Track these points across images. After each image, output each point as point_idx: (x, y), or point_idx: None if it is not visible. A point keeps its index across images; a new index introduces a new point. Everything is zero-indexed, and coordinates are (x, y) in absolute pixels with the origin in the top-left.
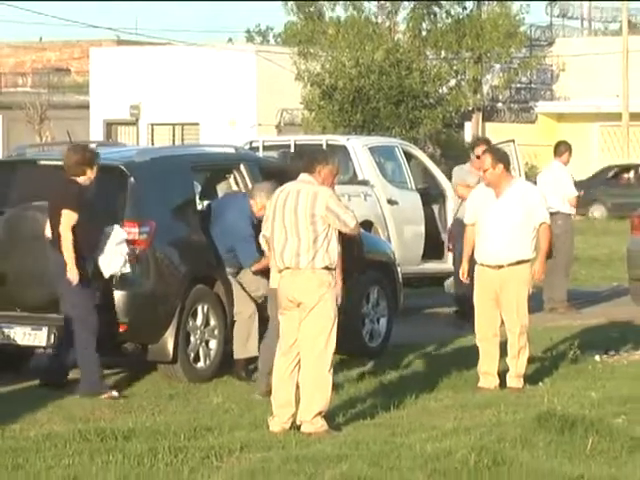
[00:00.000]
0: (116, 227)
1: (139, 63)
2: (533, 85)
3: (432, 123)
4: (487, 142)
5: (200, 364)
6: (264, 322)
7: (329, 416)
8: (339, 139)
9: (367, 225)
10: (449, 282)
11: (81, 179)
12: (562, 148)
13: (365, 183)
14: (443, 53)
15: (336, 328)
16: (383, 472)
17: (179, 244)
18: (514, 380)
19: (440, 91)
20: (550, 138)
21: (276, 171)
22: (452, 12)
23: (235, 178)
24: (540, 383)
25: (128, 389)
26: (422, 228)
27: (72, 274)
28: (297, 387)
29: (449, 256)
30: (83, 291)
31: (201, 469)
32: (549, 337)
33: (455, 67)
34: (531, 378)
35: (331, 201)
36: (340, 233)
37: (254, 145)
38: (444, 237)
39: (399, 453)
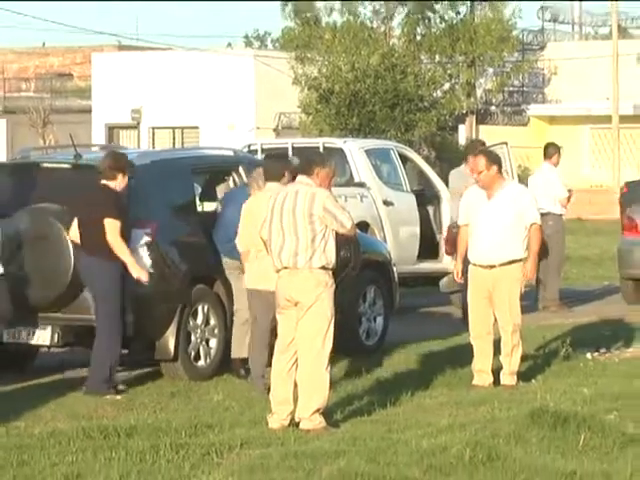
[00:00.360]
0: (137, 230)
1: (140, 68)
2: (525, 88)
3: (427, 126)
4: (482, 144)
5: (200, 362)
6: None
7: (327, 413)
8: (336, 142)
9: (363, 226)
10: (444, 281)
11: (112, 183)
12: (551, 150)
13: (361, 185)
14: (437, 57)
15: (333, 327)
16: (380, 468)
17: (180, 245)
18: (507, 377)
19: (434, 94)
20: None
21: None
22: (446, 17)
23: (234, 180)
24: (533, 380)
25: (130, 387)
26: (417, 229)
27: (141, 274)
28: (295, 385)
29: (444, 256)
30: (116, 294)
31: (202, 465)
32: (542, 335)
33: (449, 71)
34: (524, 375)
35: (328, 202)
36: (337, 234)
37: (252, 148)
38: (439, 237)
39: (395, 449)
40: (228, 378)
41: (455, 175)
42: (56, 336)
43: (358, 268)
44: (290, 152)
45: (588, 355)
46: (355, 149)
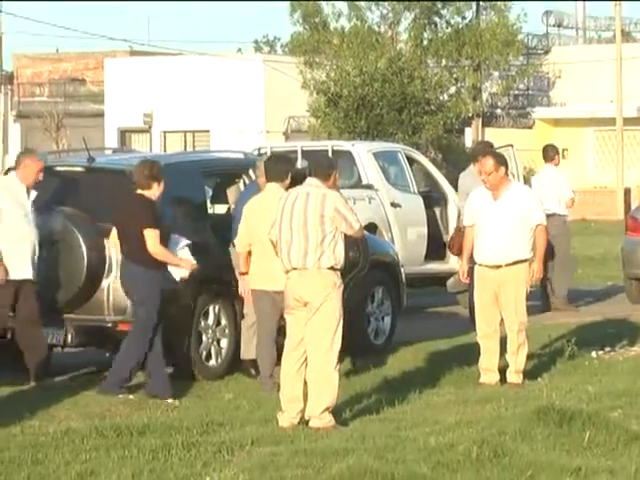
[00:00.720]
0: (177, 235)
1: (152, 73)
2: (530, 92)
3: (433, 129)
4: (490, 145)
5: (212, 362)
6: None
7: (336, 411)
8: (344, 145)
9: (372, 227)
10: (451, 282)
11: (148, 192)
12: (551, 152)
13: (369, 187)
14: (444, 61)
15: (342, 326)
16: (388, 465)
17: (191, 246)
18: (514, 376)
19: (441, 98)
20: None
21: None
22: (452, 22)
23: (244, 182)
24: (539, 378)
25: (141, 387)
26: (424, 230)
27: (192, 268)
28: (305, 383)
29: (450, 257)
30: (154, 302)
31: (213, 463)
32: (547, 334)
33: (455, 75)
34: (530, 374)
35: (339, 203)
36: (345, 235)
37: (262, 151)
38: (446, 239)
39: (404, 446)
40: (239, 377)
41: (464, 179)
42: (69, 336)
43: (366, 269)
44: (299, 155)
45: (593, 354)
46: (363, 152)
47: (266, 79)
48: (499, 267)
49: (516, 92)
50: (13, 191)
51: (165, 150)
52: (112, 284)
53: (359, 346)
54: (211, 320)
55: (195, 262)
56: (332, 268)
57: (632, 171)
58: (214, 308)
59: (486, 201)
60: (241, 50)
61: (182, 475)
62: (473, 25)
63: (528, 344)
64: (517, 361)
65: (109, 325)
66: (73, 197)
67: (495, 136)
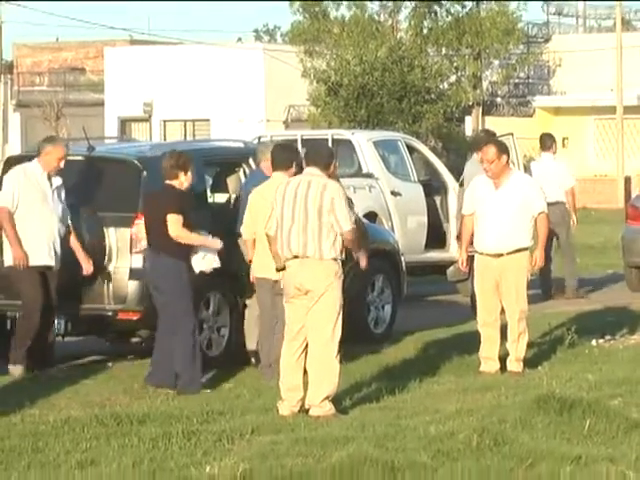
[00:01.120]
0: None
1: (152, 62)
2: (531, 80)
3: (434, 117)
4: (492, 134)
5: (212, 351)
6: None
7: (336, 400)
8: (344, 133)
9: (372, 216)
10: (451, 270)
11: (175, 183)
12: (549, 141)
13: (369, 176)
14: (444, 50)
15: (342, 315)
16: (389, 453)
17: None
18: (514, 364)
19: (441, 87)
20: (547, 131)
21: None
22: (452, 11)
23: (244, 171)
24: (539, 367)
25: (141, 375)
26: (425, 219)
27: (214, 243)
28: (305, 372)
29: (451, 245)
30: (187, 291)
31: (213, 452)
32: (547, 323)
33: (455, 63)
34: (530, 362)
35: (337, 199)
36: None
37: (262, 140)
38: (446, 227)
39: (404, 435)
40: (239, 366)
41: (470, 168)
42: (69, 325)
43: (366, 259)
44: (299, 144)
45: (593, 342)
46: (363, 140)
47: (266, 68)
48: (500, 256)
49: (516, 81)
50: (34, 178)
51: (165, 139)
52: (112, 273)
53: (359, 335)
54: (212, 309)
55: (221, 243)
56: (333, 258)
57: (632, 159)
58: (214, 297)
59: (487, 189)
60: (241, 39)
61: (182, 464)
62: (473, 14)
63: (528, 332)
64: (517, 349)
65: (109, 314)
66: (74, 185)
67: (495, 125)
